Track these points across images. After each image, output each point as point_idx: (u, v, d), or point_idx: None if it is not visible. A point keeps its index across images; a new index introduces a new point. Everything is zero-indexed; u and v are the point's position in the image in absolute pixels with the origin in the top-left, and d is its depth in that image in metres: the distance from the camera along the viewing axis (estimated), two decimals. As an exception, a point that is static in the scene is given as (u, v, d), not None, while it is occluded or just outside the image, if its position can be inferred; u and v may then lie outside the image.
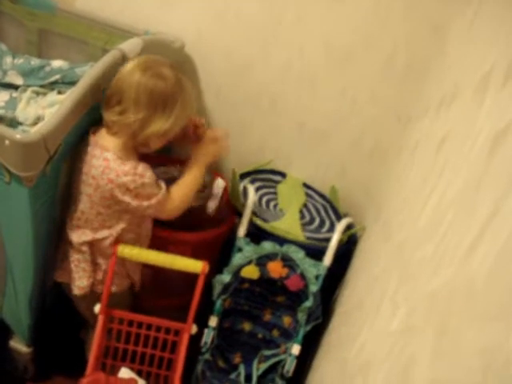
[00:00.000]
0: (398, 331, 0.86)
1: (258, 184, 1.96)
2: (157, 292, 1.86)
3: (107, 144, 1.46)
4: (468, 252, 0.68)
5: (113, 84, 1.44)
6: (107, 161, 1.43)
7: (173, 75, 1.45)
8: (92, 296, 1.62)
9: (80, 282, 1.58)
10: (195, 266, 1.55)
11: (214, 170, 2.03)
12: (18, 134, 1.29)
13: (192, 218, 2.00)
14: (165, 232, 1.68)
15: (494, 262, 0.59)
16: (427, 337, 0.71)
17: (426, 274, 0.83)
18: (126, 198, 1.45)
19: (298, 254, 1.63)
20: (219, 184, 1.90)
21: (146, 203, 1.46)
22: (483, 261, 0.62)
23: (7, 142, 1.27)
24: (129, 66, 1.45)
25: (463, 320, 0.62)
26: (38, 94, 1.95)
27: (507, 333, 0.50)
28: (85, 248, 1.54)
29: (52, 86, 1.97)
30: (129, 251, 1.53)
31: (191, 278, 1.58)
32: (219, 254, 1.86)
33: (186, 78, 1.51)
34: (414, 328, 0.78)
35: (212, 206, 1.90)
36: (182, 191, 1.55)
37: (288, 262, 1.65)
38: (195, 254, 1.61)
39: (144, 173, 1.44)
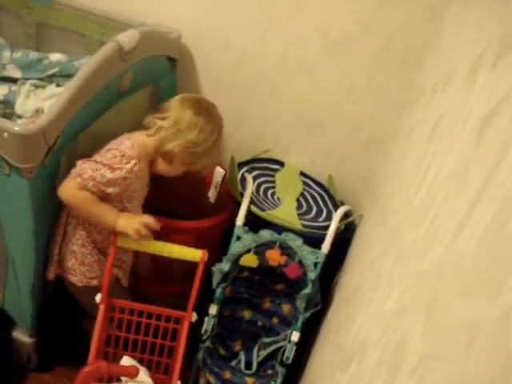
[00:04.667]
0: (392, 311, 0.87)
1: (256, 172, 1.97)
2: (157, 279, 1.88)
3: (135, 137, 1.57)
4: (456, 231, 0.69)
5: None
6: (125, 141, 1.55)
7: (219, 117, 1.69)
8: (92, 288, 1.64)
9: (82, 276, 1.62)
10: (194, 254, 1.57)
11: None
12: (16, 126, 1.31)
13: (194, 208, 2.02)
14: (168, 221, 1.70)
15: (479, 240, 0.60)
16: (418, 315, 0.72)
17: (418, 254, 0.84)
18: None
19: (295, 242, 1.65)
20: (219, 172, 1.91)
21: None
22: (470, 239, 0.63)
23: (6, 134, 1.29)
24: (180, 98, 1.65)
25: (451, 297, 0.63)
26: (36, 87, 1.96)
27: (490, 306, 0.52)
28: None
29: (51, 78, 1.99)
30: (129, 241, 1.55)
31: (192, 265, 1.59)
32: (220, 243, 1.88)
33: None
34: (407, 307, 0.80)
35: (212, 194, 1.91)
36: (90, 207, 1.51)
37: (286, 249, 1.66)
38: (198, 242, 1.62)
39: (125, 166, 1.50)
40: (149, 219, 1.54)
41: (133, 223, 1.52)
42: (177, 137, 1.58)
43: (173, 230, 1.73)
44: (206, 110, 1.64)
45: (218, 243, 1.88)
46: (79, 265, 1.61)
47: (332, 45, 1.86)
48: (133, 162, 1.51)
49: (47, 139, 1.35)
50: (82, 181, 1.46)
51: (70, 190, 1.48)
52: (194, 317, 1.64)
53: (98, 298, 1.59)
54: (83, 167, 1.48)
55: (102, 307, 1.59)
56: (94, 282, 1.64)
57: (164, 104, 1.65)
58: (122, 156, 1.50)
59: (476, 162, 0.73)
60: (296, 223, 1.76)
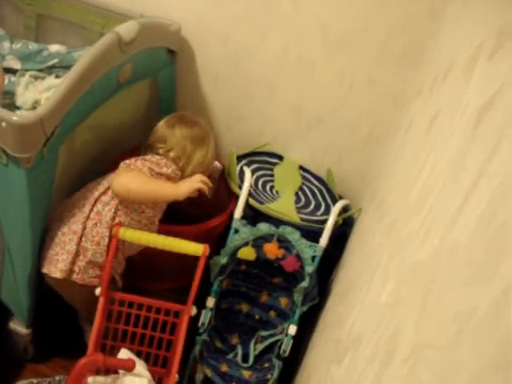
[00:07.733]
0: (387, 304, 0.87)
1: (255, 166, 1.97)
2: (151, 275, 1.88)
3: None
4: (451, 221, 0.69)
5: (154, 136, 1.72)
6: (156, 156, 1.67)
7: (201, 120, 1.79)
8: (72, 285, 1.61)
9: (63, 264, 1.56)
10: (196, 248, 1.55)
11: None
12: (14, 116, 1.30)
13: (192, 205, 2.01)
14: (165, 226, 1.68)
15: (474, 229, 0.60)
16: (412, 305, 0.72)
17: (413, 246, 0.84)
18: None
19: (293, 235, 1.65)
20: (216, 168, 1.91)
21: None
22: (465, 228, 0.63)
23: (4, 123, 1.28)
24: (164, 122, 1.74)
25: (444, 287, 0.63)
26: (36, 78, 1.96)
27: (483, 295, 0.52)
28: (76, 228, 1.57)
29: (50, 70, 1.98)
30: (130, 233, 1.54)
31: (186, 260, 1.59)
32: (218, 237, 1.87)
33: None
34: (401, 298, 0.80)
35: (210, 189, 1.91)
36: (148, 183, 1.56)
37: (284, 243, 1.66)
38: (197, 240, 1.60)
39: (171, 166, 1.63)
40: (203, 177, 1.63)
41: (195, 179, 1.61)
42: (191, 160, 1.69)
43: (173, 234, 1.71)
44: (191, 120, 1.75)
45: (216, 240, 1.87)
46: (87, 263, 1.59)
47: (332, 41, 1.86)
48: (174, 166, 1.63)
49: (45, 129, 1.34)
50: (135, 167, 1.56)
51: (124, 175, 1.54)
52: (194, 311, 1.63)
53: (98, 291, 1.59)
54: (131, 162, 1.57)
55: (101, 300, 1.59)
56: (95, 282, 1.61)
57: (157, 132, 1.73)
58: (167, 161, 1.62)
59: (472, 152, 0.72)
60: (294, 217, 1.76)
